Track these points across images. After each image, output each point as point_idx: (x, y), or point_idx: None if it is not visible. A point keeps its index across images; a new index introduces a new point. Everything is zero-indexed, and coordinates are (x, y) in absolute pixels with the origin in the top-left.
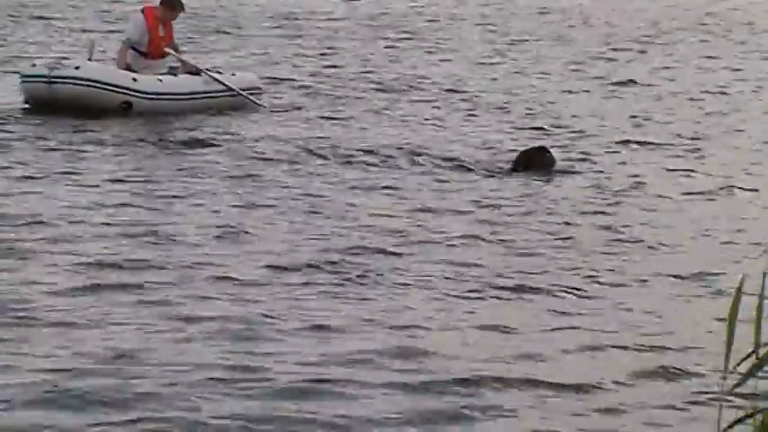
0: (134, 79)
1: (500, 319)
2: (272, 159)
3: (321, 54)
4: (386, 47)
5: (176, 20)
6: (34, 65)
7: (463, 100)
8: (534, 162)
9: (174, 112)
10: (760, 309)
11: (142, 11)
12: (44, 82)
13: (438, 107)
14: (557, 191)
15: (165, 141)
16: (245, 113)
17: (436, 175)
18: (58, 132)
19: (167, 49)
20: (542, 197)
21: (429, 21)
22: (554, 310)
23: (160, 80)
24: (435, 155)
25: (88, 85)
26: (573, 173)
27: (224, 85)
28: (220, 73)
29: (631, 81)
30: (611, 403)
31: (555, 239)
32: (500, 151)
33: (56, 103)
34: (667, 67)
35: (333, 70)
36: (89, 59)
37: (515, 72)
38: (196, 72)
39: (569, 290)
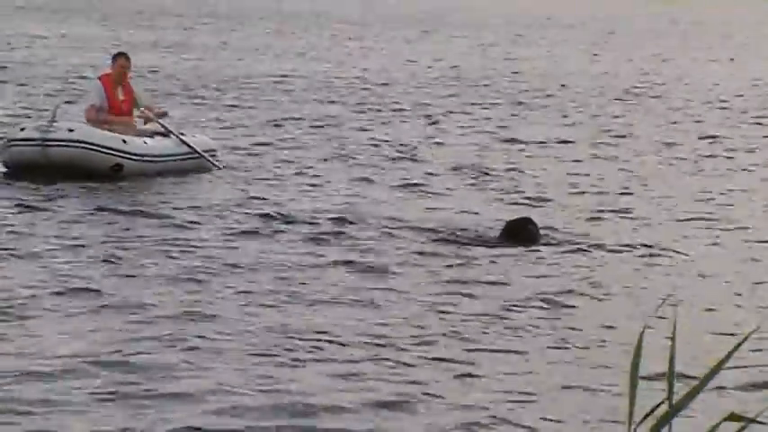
0: (124, 141)
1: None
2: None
3: (281, 118)
4: (357, 111)
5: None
6: (23, 128)
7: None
8: (520, 233)
9: (156, 174)
10: (672, 362)
11: (99, 78)
12: (37, 145)
13: (407, 173)
14: (542, 263)
15: (137, 209)
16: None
17: (415, 246)
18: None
19: (153, 118)
20: (528, 269)
21: (385, 84)
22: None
23: (145, 142)
24: (411, 224)
25: (82, 147)
26: (557, 245)
27: (189, 146)
28: (184, 134)
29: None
30: None
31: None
32: (484, 221)
33: (49, 167)
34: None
35: (290, 133)
36: (52, 121)
37: (492, 138)
38: (166, 134)
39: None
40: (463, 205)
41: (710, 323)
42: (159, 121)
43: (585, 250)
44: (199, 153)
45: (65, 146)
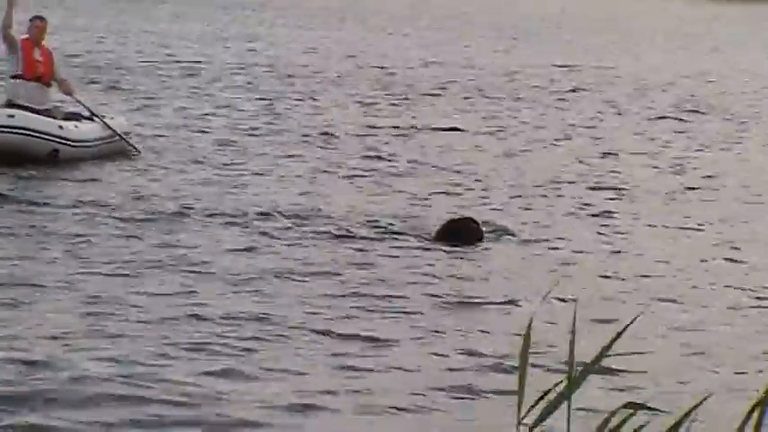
0: (60, 127)
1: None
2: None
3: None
4: (295, 98)
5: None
6: None
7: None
8: (460, 233)
9: (87, 158)
10: (572, 343)
11: (20, 40)
12: None
13: (345, 167)
14: (481, 262)
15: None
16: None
17: (353, 244)
18: None
19: (69, 92)
20: (464, 268)
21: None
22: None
23: (76, 126)
24: (348, 220)
25: (22, 134)
26: (500, 243)
27: (111, 129)
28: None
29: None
30: None
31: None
32: (423, 219)
33: None
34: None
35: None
36: None
37: (432, 132)
38: (90, 117)
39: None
40: (406, 199)
41: (620, 314)
42: (80, 100)
43: (524, 247)
44: (120, 136)
45: (6, 131)
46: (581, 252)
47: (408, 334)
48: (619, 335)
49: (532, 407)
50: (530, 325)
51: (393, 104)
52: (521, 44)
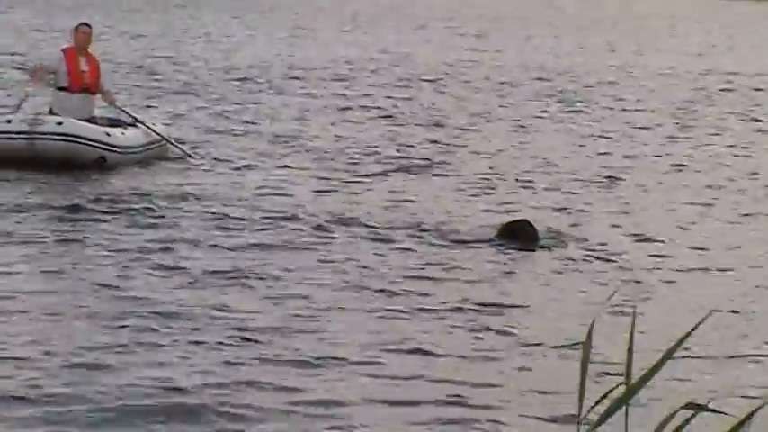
0: (107, 134)
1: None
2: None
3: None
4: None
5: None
6: (9, 121)
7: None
8: (517, 235)
9: (136, 164)
10: (630, 352)
11: (62, 50)
12: (25, 138)
13: (402, 173)
14: (537, 265)
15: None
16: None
17: (411, 245)
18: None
19: (112, 102)
20: (522, 270)
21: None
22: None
23: (123, 133)
24: (409, 223)
25: (70, 141)
26: (556, 247)
27: (159, 135)
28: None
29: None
30: None
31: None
32: (480, 222)
33: (36, 159)
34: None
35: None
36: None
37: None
38: (133, 123)
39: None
40: (454, 205)
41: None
42: (123, 108)
43: (579, 251)
44: (170, 142)
45: (54, 139)
46: (635, 255)
47: (462, 337)
48: (680, 342)
49: (592, 408)
50: (591, 328)
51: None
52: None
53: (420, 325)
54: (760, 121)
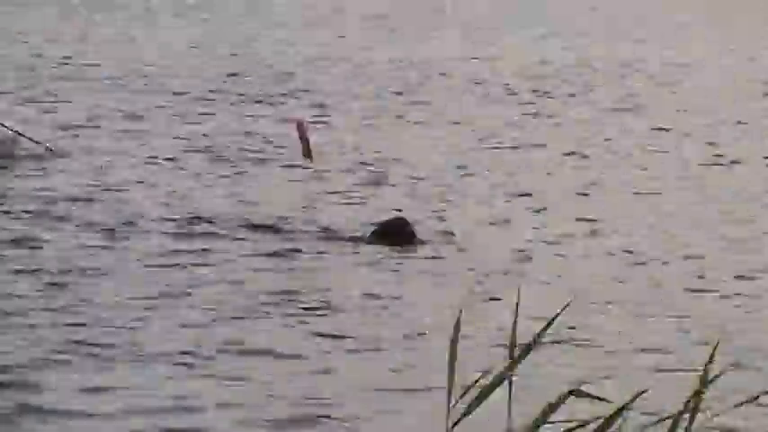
0: None
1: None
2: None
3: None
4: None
5: None
6: None
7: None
8: (394, 233)
9: None
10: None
11: None
12: None
13: (281, 169)
14: (411, 262)
15: None
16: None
17: (286, 245)
18: None
19: None
20: (396, 268)
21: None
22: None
23: None
24: (285, 222)
25: None
26: (433, 244)
27: (14, 131)
28: None
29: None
30: None
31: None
32: (357, 221)
33: None
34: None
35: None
36: None
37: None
38: None
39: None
40: (339, 202)
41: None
42: None
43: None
44: (26, 137)
45: None
46: (518, 250)
47: (333, 340)
48: (551, 322)
49: (461, 397)
50: (458, 320)
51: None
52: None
53: (274, 326)
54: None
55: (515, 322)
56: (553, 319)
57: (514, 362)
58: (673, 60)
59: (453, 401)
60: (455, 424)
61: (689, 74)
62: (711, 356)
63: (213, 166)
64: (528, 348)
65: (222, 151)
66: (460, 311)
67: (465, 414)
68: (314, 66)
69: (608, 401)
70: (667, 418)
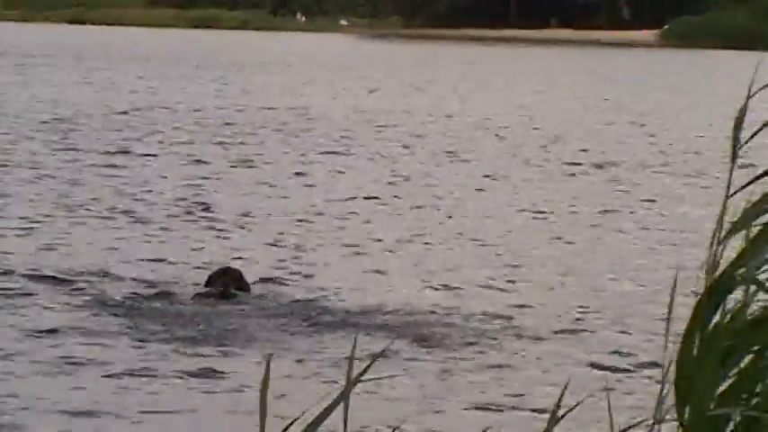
0: None
1: None
2: None
3: None
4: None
5: None
6: None
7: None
8: (224, 282)
9: None
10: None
11: None
12: None
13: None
14: (245, 313)
15: None
16: None
17: (106, 298)
18: None
19: None
20: (224, 319)
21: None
22: None
23: None
24: (112, 277)
25: None
26: (265, 292)
27: None
28: None
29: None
30: None
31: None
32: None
33: None
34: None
35: None
36: None
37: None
38: None
39: None
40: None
41: None
42: None
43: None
44: None
45: None
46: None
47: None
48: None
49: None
50: (267, 365)
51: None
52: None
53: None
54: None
55: (351, 360)
56: (375, 359)
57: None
58: None
59: None
60: None
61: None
62: None
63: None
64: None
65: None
66: (268, 361)
67: None
68: None
69: None
70: None
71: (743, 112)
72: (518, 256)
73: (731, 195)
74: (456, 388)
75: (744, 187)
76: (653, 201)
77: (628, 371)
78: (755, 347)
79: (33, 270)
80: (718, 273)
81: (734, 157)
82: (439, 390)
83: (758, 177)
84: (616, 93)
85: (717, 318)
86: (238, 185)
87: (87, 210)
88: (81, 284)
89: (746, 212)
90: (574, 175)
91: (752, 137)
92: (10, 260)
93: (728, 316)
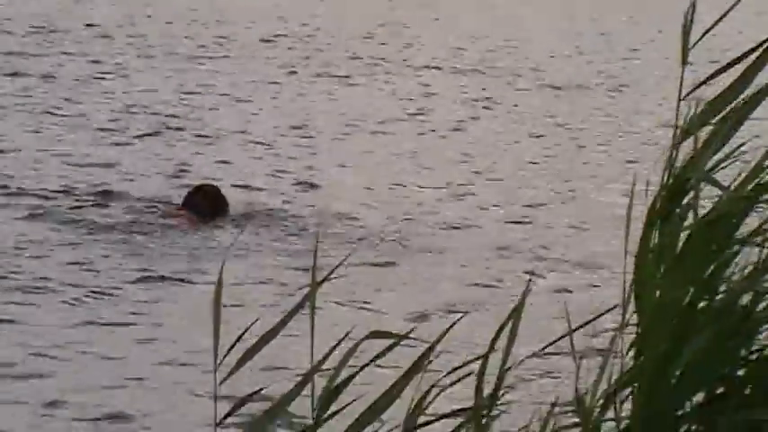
0: None
1: None
2: None
3: None
4: None
5: None
6: None
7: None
8: (203, 202)
9: None
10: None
11: None
12: None
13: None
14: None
15: None
16: None
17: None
18: None
19: None
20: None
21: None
22: None
23: None
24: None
25: None
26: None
27: None
28: None
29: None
30: None
31: None
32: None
33: None
34: None
35: None
36: None
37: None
38: None
39: None
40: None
41: None
42: None
43: None
44: None
45: None
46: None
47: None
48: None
49: (225, 356)
50: (221, 272)
51: None
52: None
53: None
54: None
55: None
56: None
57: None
58: None
59: (220, 359)
60: (222, 381)
61: None
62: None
63: None
64: (301, 303)
65: None
66: (222, 264)
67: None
68: None
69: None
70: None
71: (690, 13)
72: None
73: (683, 98)
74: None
75: (693, 90)
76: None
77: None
78: (712, 247)
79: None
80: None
81: (684, 60)
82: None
83: (707, 79)
84: None
85: (673, 220)
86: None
87: None
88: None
89: (698, 117)
90: None
91: (701, 38)
92: None
93: (684, 217)
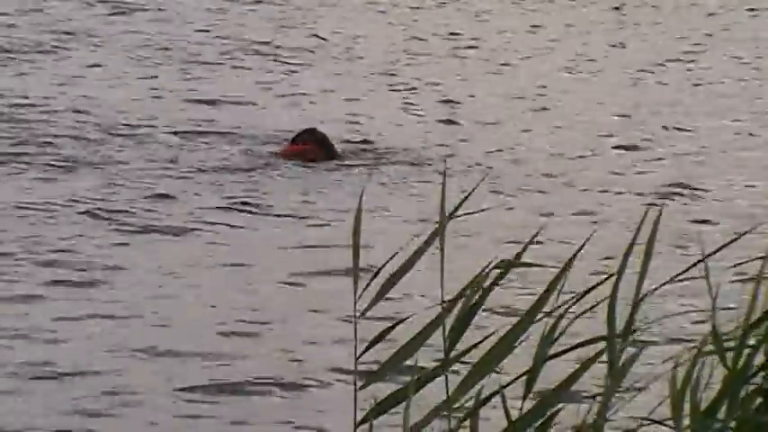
0: None
1: None
2: None
3: None
4: None
5: None
6: None
7: None
8: (312, 148)
9: None
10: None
11: None
12: None
13: None
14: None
15: None
16: None
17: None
18: None
19: None
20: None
21: None
22: None
23: None
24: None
25: None
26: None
27: None
28: None
29: None
30: None
31: None
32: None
33: None
34: None
35: None
36: None
37: None
38: None
39: None
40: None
41: None
42: None
43: None
44: None
45: None
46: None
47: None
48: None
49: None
50: (360, 197)
51: None
52: None
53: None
54: None
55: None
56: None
57: (432, 236)
58: None
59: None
60: (364, 312)
61: None
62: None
63: None
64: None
65: None
66: (359, 211)
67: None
68: None
69: (546, 267)
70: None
71: None
72: None
73: None
74: None
75: None
76: None
77: None
78: None
79: None
80: None
81: None
82: None
83: None
84: None
85: None
86: None
87: None
88: None
89: None
90: None
91: None
92: None
93: None
